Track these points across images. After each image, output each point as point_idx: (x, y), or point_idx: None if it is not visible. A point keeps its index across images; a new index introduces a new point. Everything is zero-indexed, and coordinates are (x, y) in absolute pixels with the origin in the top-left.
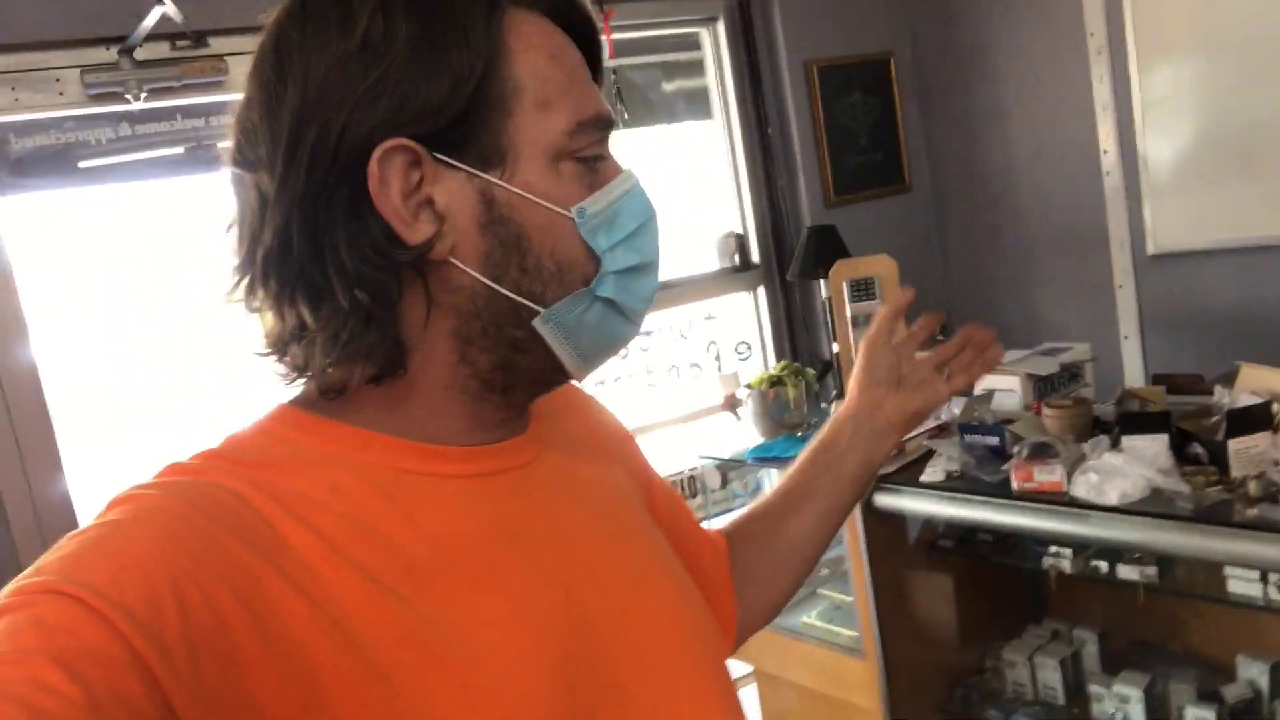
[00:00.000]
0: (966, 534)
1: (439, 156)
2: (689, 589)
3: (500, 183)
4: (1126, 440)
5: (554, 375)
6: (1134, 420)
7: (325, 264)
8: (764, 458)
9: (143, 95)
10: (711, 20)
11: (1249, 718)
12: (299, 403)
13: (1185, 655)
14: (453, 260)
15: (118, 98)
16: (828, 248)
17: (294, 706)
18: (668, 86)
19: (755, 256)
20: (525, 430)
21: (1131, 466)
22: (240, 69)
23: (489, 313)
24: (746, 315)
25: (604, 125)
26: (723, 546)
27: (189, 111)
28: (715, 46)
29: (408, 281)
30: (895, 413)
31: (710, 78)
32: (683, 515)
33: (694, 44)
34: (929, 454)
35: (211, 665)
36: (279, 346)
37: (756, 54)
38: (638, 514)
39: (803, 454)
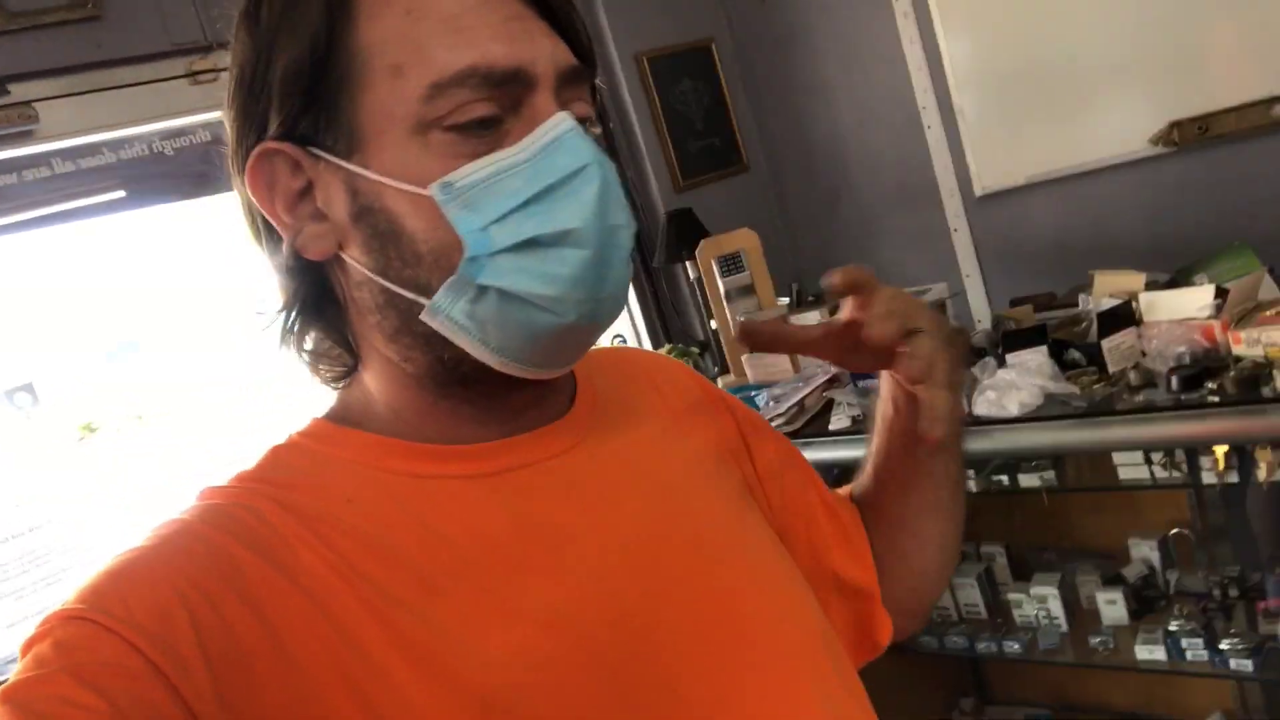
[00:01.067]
0: None
1: (312, 151)
2: (777, 571)
3: (357, 169)
4: (1011, 357)
5: (489, 370)
6: (1015, 337)
7: (275, 271)
8: None
9: None
10: None
11: (1149, 591)
12: (328, 414)
13: (1085, 549)
14: (343, 256)
15: None
16: (688, 230)
17: None
18: None
19: None
20: (564, 415)
21: (1023, 378)
22: (53, 115)
23: (392, 307)
24: None
25: (494, 79)
26: (860, 530)
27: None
28: None
29: (334, 281)
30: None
31: None
32: (800, 482)
33: None
34: (829, 404)
35: (229, 673)
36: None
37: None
38: (716, 492)
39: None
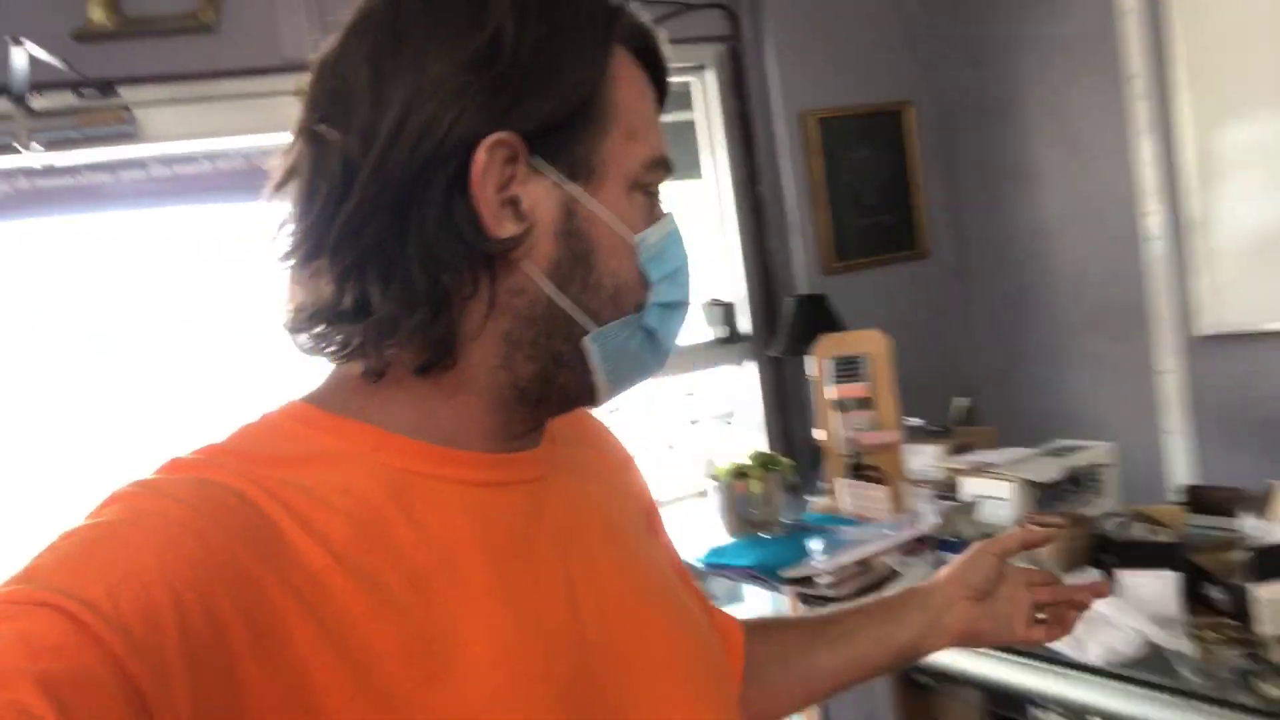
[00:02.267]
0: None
1: (535, 159)
2: (695, 622)
3: (584, 195)
4: (1125, 576)
5: (581, 396)
6: (1133, 551)
7: (407, 244)
8: (715, 565)
9: (34, 146)
10: (700, 69)
11: None
12: (313, 399)
13: None
14: (526, 262)
15: (9, 149)
16: (818, 320)
17: None
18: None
19: (745, 327)
20: (538, 446)
21: (1123, 615)
22: (152, 120)
23: (544, 321)
24: (736, 391)
25: (668, 167)
26: (739, 636)
27: (95, 167)
28: (704, 97)
29: (481, 276)
30: (960, 621)
31: (699, 130)
32: (685, 574)
33: (687, 102)
34: (890, 575)
35: (208, 680)
36: (321, 320)
37: (749, 104)
38: (643, 543)
39: (868, 600)
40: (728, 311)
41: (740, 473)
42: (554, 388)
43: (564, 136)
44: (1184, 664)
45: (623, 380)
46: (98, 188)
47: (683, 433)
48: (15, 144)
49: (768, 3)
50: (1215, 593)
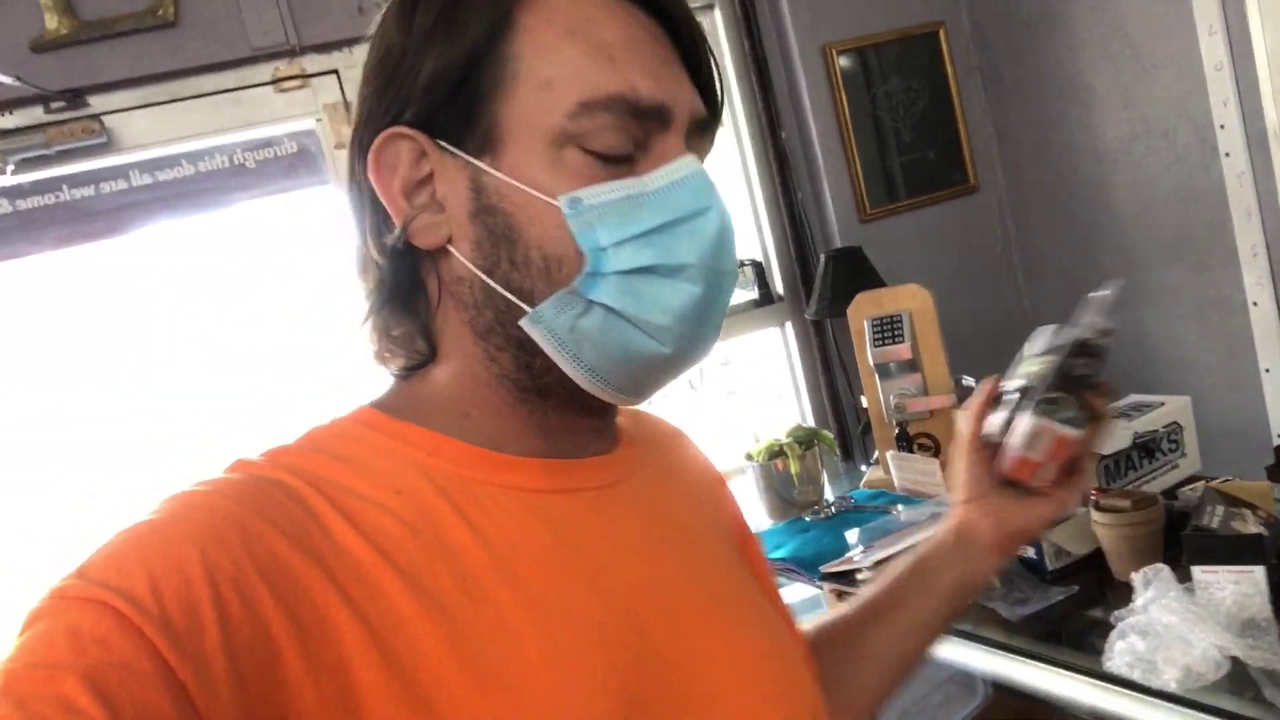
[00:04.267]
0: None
1: (441, 144)
2: (780, 642)
3: (486, 168)
4: (1199, 573)
5: (576, 386)
6: (1210, 544)
7: (370, 250)
8: None
9: (9, 168)
10: (708, 8)
11: None
12: (379, 404)
13: None
14: (449, 249)
15: None
16: (856, 275)
17: None
18: None
19: (779, 287)
20: (612, 451)
21: (1198, 629)
22: (126, 127)
23: (490, 307)
24: (777, 355)
25: (637, 110)
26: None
27: (75, 180)
28: (714, 40)
29: (428, 272)
30: (992, 531)
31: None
32: (776, 597)
33: None
34: None
35: (251, 674)
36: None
37: (762, 43)
38: (727, 557)
39: (898, 563)
40: (759, 271)
41: (777, 451)
42: (543, 378)
43: (457, 110)
44: (1277, 685)
45: (608, 367)
46: (80, 204)
47: (720, 405)
48: None
49: None
50: None
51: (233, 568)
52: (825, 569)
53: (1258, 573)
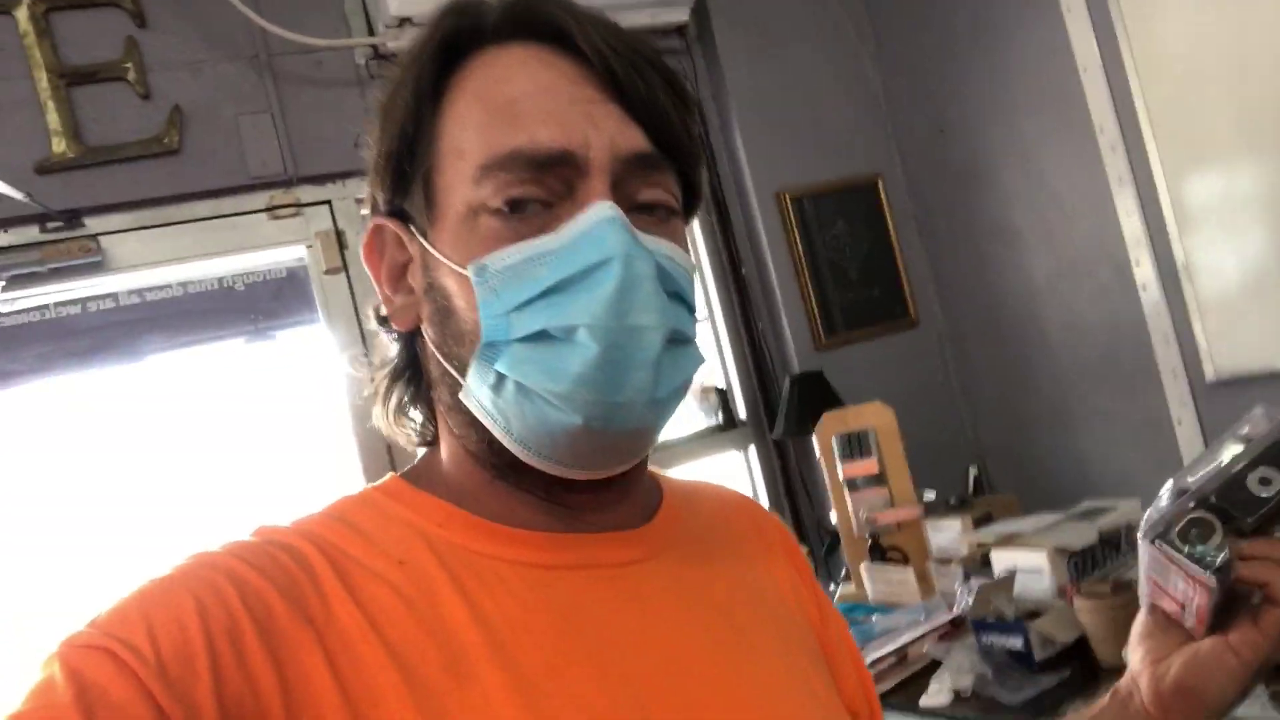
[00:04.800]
0: None
1: (410, 228)
2: None
3: (427, 246)
4: None
5: (530, 466)
6: None
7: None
8: None
9: (0, 284)
10: None
11: None
12: (406, 473)
13: None
14: (421, 329)
15: None
16: (817, 397)
17: None
18: None
19: (742, 412)
20: (640, 525)
21: None
22: (119, 248)
23: (446, 383)
24: (740, 479)
25: (538, 161)
26: None
27: (63, 301)
28: None
29: (420, 352)
30: (1149, 688)
31: None
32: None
33: None
34: (933, 665)
35: None
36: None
37: (722, 189)
38: (780, 649)
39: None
40: (723, 397)
41: None
42: (505, 454)
43: (415, 193)
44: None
45: (540, 442)
46: (67, 321)
47: None
48: None
49: (730, 87)
50: None
51: (228, 619)
52: None
53: None
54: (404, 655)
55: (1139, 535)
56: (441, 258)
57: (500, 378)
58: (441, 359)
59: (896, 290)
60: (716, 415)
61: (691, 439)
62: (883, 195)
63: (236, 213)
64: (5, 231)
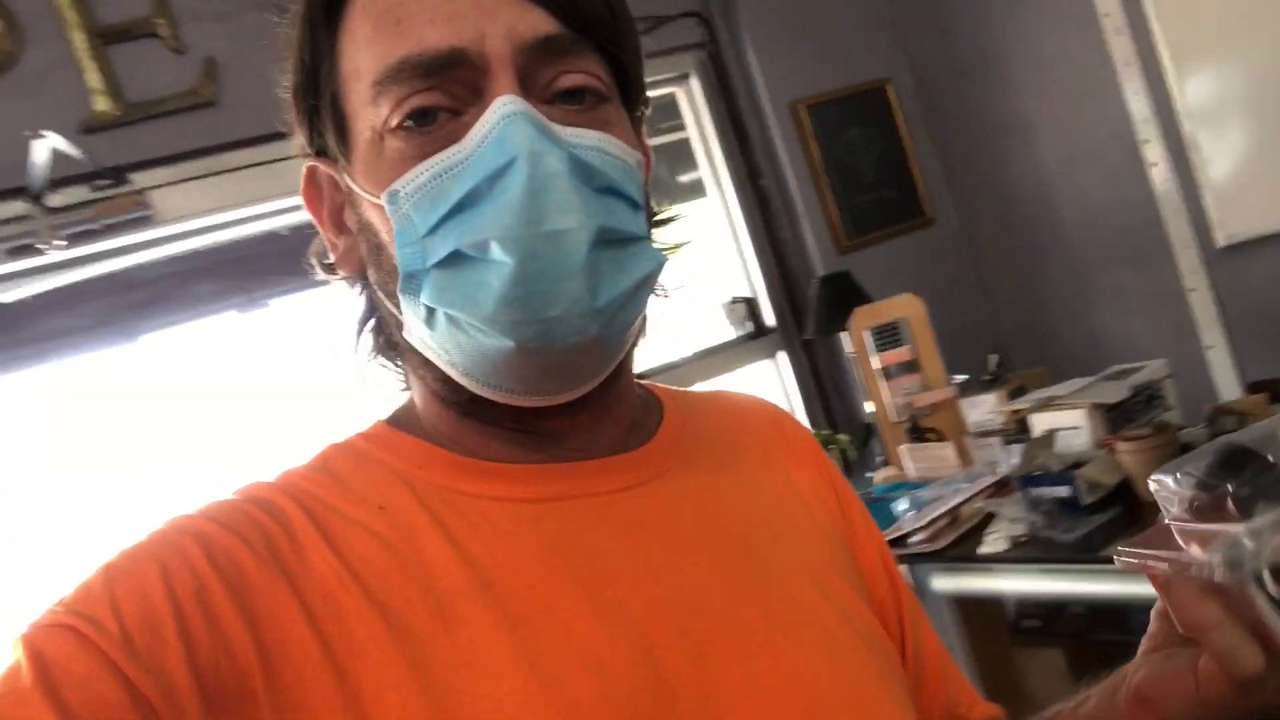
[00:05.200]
0: (1055, 609)
1: (339, 167)
2: (864, 672)
3: (346, 179)
4: None
5: (484, 398)
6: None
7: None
8: None
9: (58, 243)
10: (684, 79)
11: None
12: (390, 417)
13: None
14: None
15: (34, 250)
16: (845, 297)
17: None
18: (679, 177)
19: (770, 319)
20: (639, 447)
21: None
22: (166, 201)
23: (395, 325)
24: (771, 385)
25: (430, 66)
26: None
27: (116, 253)
28: (693, 106)
29: (367, 297)
30: (1125, 688)
31: (693, 138)
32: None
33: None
34: (987, 518)
35: (218, 692)
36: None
37: (738, 103)
38: (807, 566)
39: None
40: (751, 307)
41: None
42: (462, 390)
43: (328, 130)
44: None
45: (484, 369)
46: (120, 275)
47: None
48: (38, 244)
49: (738, 2)
50: None
51: (195, 581)
52: None
53: None
54: (387, 602)
55: (1221, 558)
56: (360, 190)
57: (430, 310)
58: (384, 298)
59: (911, 190)
60: (745, 324)
61: (721, 349)
62: (892, 99)
63: (276, 159)
64: (57, 192)
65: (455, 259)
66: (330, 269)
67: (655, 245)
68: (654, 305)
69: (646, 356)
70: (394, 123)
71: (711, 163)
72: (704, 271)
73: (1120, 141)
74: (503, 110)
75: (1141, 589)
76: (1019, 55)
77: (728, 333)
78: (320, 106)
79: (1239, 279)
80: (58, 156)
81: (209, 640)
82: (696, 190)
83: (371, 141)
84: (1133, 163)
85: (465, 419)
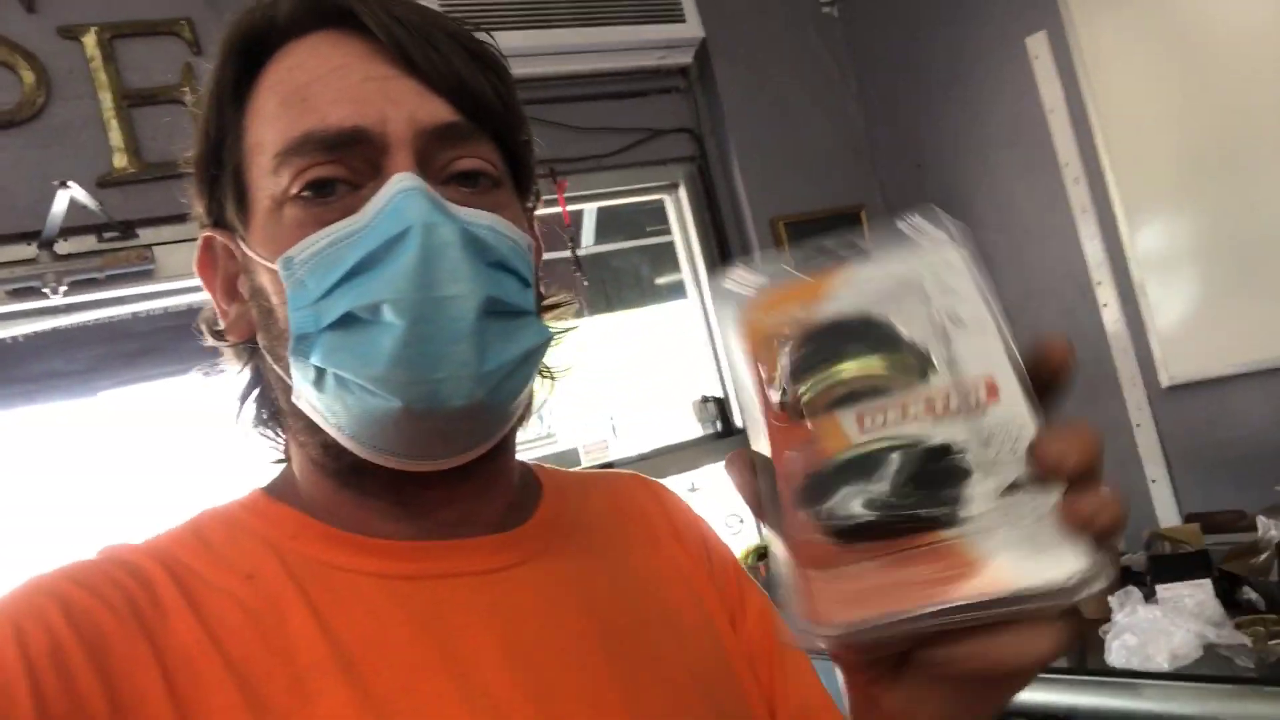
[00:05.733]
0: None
1: (234, 237)
2: None
3: (245, 249)
4: (1162, 590)
5: (371, 465)
6: (1169, 565)
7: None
8: None
9: (62, 289)
10: (673, 187)
11: None
12: (267, 485)
13: None
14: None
15: (36, 293)
16: None
17: None
18: (656, 278)
19: (738, 421)
20: (515, 528)
21: (1175, 621)
22: (170, 258)
23: (281, 389)
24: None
25: (331, 142)
26: None
27: (114, 303)
28: (680, 213)
29: (261, 364)
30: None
31: (678, 244)
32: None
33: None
34: None
35: None
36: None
37: (721, 216)
38: (678, 647)
39: None
40: (721, 406)
41: (762, 553)
42: (344, 456)
43: (228, 200)
44: (1243, 656)
45: (370, 432)
46: (117, 324)
47: None
48: (43, 288)
49: (728, 123)
50: (1249, 594)
51: (50, 641)
52: None
53: (1206, 583)
54: (246, 673)
55: None
56: (256, 257)
57: (320, 372)
58: (273, 363)
59: None
60: (714, 424)
61: (688, 446)
62: (865, 222)
63: None
64: (66, 240)
65: (347, 321)
66: (219, 335)
67: (544, 323)
68: (561, 388)
69: (616, 447)
70: (294, 191)
71: (693, 266)
72: (678, 369)
73: (1075, 281)
74: (400, 185)
75: (1067, 699)
76: (985, 194)
77: (696, 430)
78: (222, 177)
79: (1180, 418)
80: (73, 206)
81: (63, 701)
82: (678, 291)
83: (270, 210)
84: (1086, 302)
85: (343, 489)
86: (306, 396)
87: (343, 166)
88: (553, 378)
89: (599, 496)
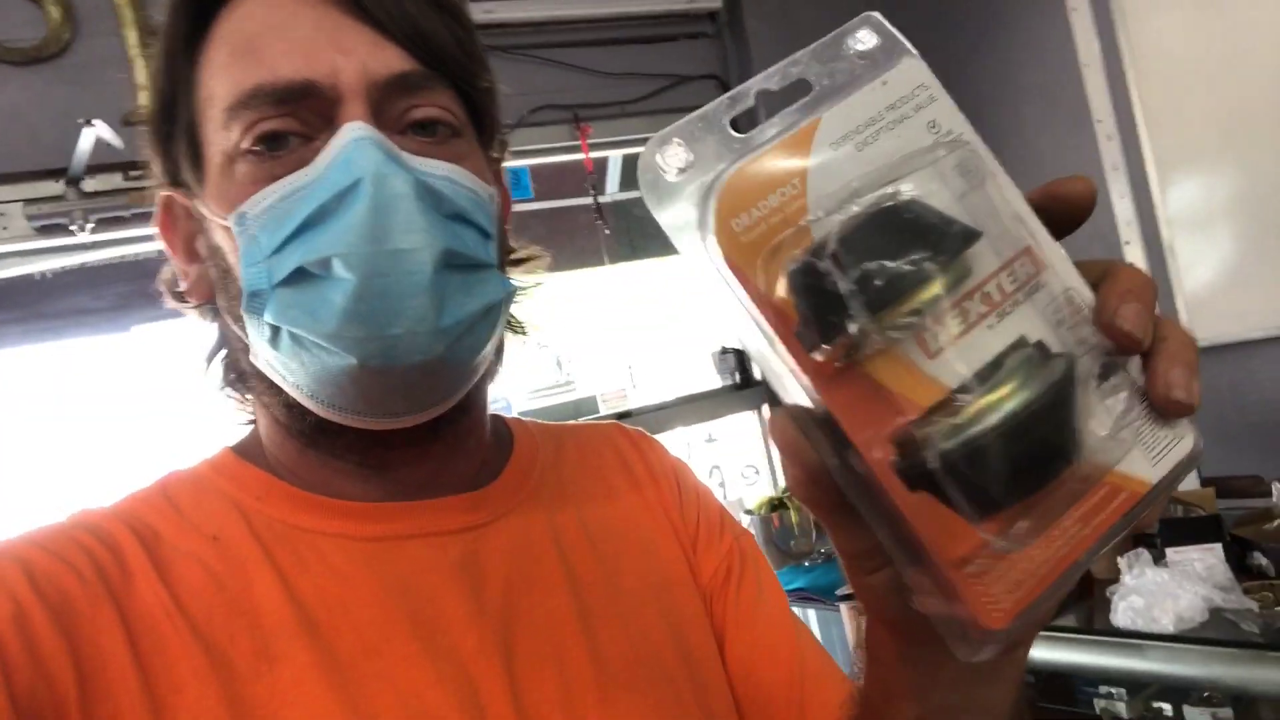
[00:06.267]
0: None
1: (192, 195)
2: (698, 710)
3: (201, 208)
4: (1172, 553)
5: (328, 421)
6: (1179, 528)
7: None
8: None
9: (89, 226)
10: None
11: None
12: (235, 445)
13: None
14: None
15: (63, 230)
16: None
17: None
18: None
19: (757, 372)
20: (485, 486)
21: (1183, 584)
22: None
23: (242, 350)
24: (752, 437)
25: (282, 95)
26: None
27: (140, 240)
28: None
29: (221, 323)
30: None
31: None
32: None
33: None
34: None
35: (32, 716)
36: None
37: None
38: (653, 605)
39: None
40: (740, 358)
41: (776, 504)
42: (307, 416)
43: (183, 157)
44: (1246, 621)
45: (329, 390)
46: (144, 261)
47: (706, 479)
48: (70, 224)
49: (756, 70)
50: (1260, 559)
51: (14, 608)
52: (842, 591)
53: (1217, 547)
54: (210, 637)
55: None
56: (210, 215)
57: (275, 330)
58: (231, 323)
59: None
60: (732, 375)
61: (706, 397)
62: None
63: None
64: (93, 178)
65: (299, 277)
66: (180, 297)
67: (507, 277)
68: (527, 343)
69: (634, 396)
70: (244, 146)
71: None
72: (698, 320)
73: (1103, 240)
74: (351, 134)
75: (1074, 657)
76: (1014, 149)
77: (714, 381)
78: (175, 134)
79: (1204, 381)
80: (99, 144)
81: (27, 668)
82: None
83: (223, 166)
84: (1109, 249)
85: (308, 450)
86: (264, 356)
87: (294, 119)
88: (524, 332)
89: (573, 448)
